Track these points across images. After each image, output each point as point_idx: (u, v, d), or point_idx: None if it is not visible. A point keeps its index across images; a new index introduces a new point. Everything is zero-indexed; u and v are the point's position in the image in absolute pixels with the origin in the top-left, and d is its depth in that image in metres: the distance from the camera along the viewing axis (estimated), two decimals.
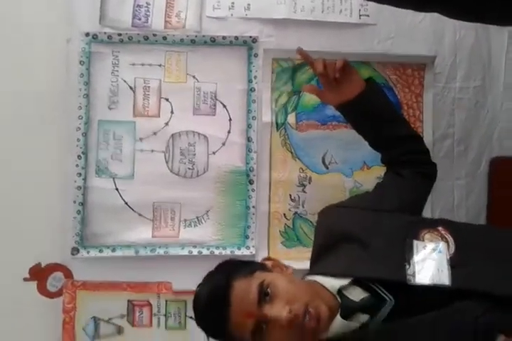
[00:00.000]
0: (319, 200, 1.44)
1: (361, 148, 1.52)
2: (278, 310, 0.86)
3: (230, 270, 0.95)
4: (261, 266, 1.00)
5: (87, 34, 1.47)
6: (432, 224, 1.00)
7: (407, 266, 0.91)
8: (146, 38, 1.49)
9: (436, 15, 0.97)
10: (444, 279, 0.89)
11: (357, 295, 0.92)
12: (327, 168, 1.55)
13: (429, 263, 0.92)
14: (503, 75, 1.61)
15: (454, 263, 0.92)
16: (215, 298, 0.90)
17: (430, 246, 0.95)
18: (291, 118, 1.54)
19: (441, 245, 0.94)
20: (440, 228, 0.98)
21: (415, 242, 0.95)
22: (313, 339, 0.91)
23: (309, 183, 1.54)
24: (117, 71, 1.50)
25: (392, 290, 0.90)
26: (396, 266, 0.92)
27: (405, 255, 0.93)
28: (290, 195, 1.54)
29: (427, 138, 1.54)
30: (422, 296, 0.88)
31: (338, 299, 0.92)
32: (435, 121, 1.58)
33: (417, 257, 0.93)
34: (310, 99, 1.53)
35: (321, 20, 1.52)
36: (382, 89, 1.25)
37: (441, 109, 1.58)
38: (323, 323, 0.87)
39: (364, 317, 0.90)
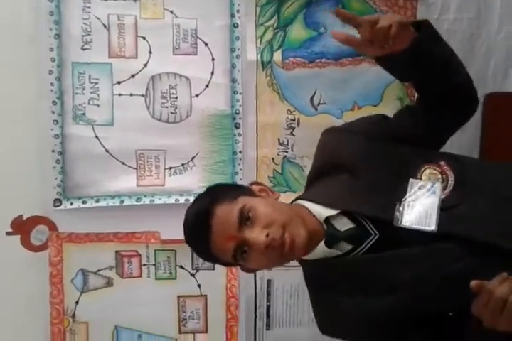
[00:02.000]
0: (308, 143, 1.39)
1: (352, 86, 1.55)
2: (257, 234, 0.92)
3: (214, 194, 1.00)
4: (247, 191, 1.03)
5: None
6: (435, 158, 1.01)
7: (397, 206, 0.94)
8: None
9: None
10: (431, 223, 0.92)
11: (343, 225, 0.97)
12: (316, 109, 1.56)
13: (420, 205, 0.94)
14: (498, 6, 1.60)
15: (446, 204, 0.95)
16: (198, 222, 0.96)
17: (425, 185, 0.96)
18: (277, 56, 1.53)
19: (437, 185, 0.96)
20: (442, 163, 1.00)
21: (411, 181, 0.96)
22: (291, 259, 0.99)
23: (298, 126, 1.55)
24: (89, 7, 1.45)
25: (378, 224, 0.96)
26: (386, 203, 0.95)
27: (398, 193, 0.96)
28: (278, 139, 1.55)
29: None
30: (407, 234, 0.93)
31: (324, 226, 0.98)
32: None
33: (409, 197, 0.95)
34: (297, 34, 1.52)
35: None
36: (437, 33, 1.03)
37: None
38: (298, 248, 0.93)
39: (347, 247, 0.97)
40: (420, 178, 0.98)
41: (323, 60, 1.54)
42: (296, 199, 1.08)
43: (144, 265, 1.55)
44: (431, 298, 0.92)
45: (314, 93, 1.55)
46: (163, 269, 1.55)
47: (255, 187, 1.06)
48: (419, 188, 0.96)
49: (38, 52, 1.44)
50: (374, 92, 1.56)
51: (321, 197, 1.02)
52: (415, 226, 0.92)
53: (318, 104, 1.56)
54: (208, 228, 0.94)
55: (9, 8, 1.43)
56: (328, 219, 0.98)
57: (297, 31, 1.52)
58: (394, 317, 0.94)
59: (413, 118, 1.07)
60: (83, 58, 1.47)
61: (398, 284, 0.93)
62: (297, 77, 1.54)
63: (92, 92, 1.48)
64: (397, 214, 0.93)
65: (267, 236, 0.91)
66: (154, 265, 1.55)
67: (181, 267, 1.56)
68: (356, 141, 1.06)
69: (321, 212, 0.99)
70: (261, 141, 1.55)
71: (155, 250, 1.54)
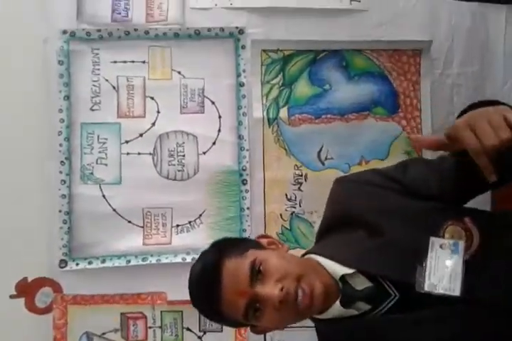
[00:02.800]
0: (317, 199, 1.43)
1: (358, 141, 1.57)
2: (270, 289, 0.88)
3: (222, 248, 0.97)
4: (255, 244, 1.01)
5: (65, 31, 1.49)
6: (459, 214, 0.94)
7: (418, 268, 0.90)
8: (127, 33, 1.51)
9: None
10: (455, 289, 0.88)
11: (360, 284, 0.93)
12: (323, 164, 1.57)
13: (442, 268, 0.90)
14: (502, 58, 1.64)
15: (471, 266, 0.89)
16: (206, 277, 0.93)
17: (448, 244, 0.92)
18: (283, 113, 1.56)
19: (460, 245, 0.91)
20: (467, 219, 0.93)
21: (431, 239, 0.91)
22: (306, 316, 0.95)
23: (305, 181, 1.57)
24: (98, 70, 1.51)
25: (399, 285, 0.91)
26: (406, 264, 0.91)
27: (419, 253, 0.91)
28: (286, 195, 1.56)
29: (426, 128, 1.58)
30: (429, 296, 0.89)
31: (340, 285, 0.94)
32: (434, 110, 1.60)
33: (430, 258, 0.91)
34: (302, 91, 1.56)
35: (310, 7, 1.55)
36: None
37: (439, 97, 1.61)
38: (317, 300, 0.89)
39: (365, 307, 0.92)
40: (443, 236, 0.92)
41: (329, 115, 1.57)
42: (307, 253, 1.06)
43: (150, 327, 1.52)
44: None
45: (321, 148, 1.57)
46: (170, 332, 1.52)
47: (263, 240, 1.04)
48: (441, 247, 0.91)
49: (48, 113, 1.49)
50: (381, 147, 1.58)
51: (335, 253, 0.98)
52: (439, 292, 0.88)
53: (326, 159, 1.57)
54: (217, 283, 0.90)
55: (19, 71, 1.49)
56: (343, 277, 0.94)
57: (302, 88, 1.56)
58: None
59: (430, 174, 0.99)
60: (92, 119, 1.51)
61: None
62: (304, 133, 1.56)
63: (100, 152, 1.51)
64: (419, 278, 0.89)
65: (281, 289, 0.88)
66: (160, 327, 1.52)
67: (188, 329, 1.53)
68: (372, 195, 1.01)
69: (336, 269, 0.96)
70: (268, 197, 1.56)
71: (161, 311, 1.52)
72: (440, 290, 0.88)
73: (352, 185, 1.07)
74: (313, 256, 1.02)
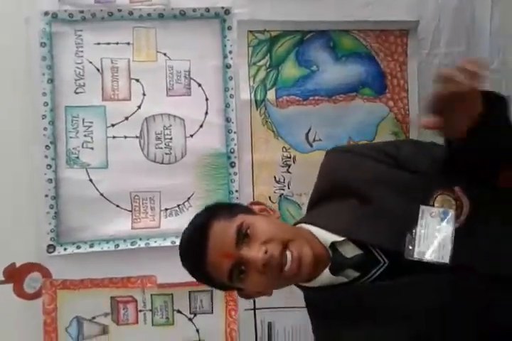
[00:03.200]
0: (305, 180, 1.42)
1: (346, 123, 1.57)
2: (254, 252, 0.89)
3: (213, 211, 0.99)
4: (247, 210, 1.02)
5: (47, 13, 1.47)
6: (449, 183, 0.94)
7: (408, 236, 0.91)
8: (111, 14, 1.49)
9: None
10: (444, 257, 0.89)
11: (350, 251, 0.95)
12: (311, 145, 1.58)
13: (432, 236, 0.91)
14: (488, 38, 1.65)
15: (460, 234, 0.90)
16: (194, 238, 0.95)
17: (438, 213, 0.92)
18: (271, 95, 1.56)
19: (450, 214, 0.91)
20: (457, 188, 0.93)
21: (422, 208, 0.92)
22: (293, 282, 0.97)
23: (294, 163, 1.57)
24: (82, 52, 1.49)
25: (388, 252, 0.92)
26: (396, 232, 0.92)
27: (409, 221, 0.92)
28: (274, 177, 1.57)
29: (413, 109, 1.60)
30: (418, 263, 0.90)
31: (330, 252, 0.96)
32: (421, 90, 1.61)
33: (420, 226, 0.92)
34: (289, 72, 1.56)
35: None
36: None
37: (426, 77, 1.61)
38: (305, 265, 0.90)
39: (353, 274, 0.94)
40: (433, 205, 0.93)
41: (317, 97, 1.57)
42: (298, 222, 1.07)
43: (140, 311, 1.53)
44: (446, 329, 0.88)
45: (309, 130, 1.58)
46: (160, 315, 1.54)
47: (256, 207, 1.06)
48: (431, 216, 0.92)
49: (31, 97, 1.47)
50: (368, 128, 1.59)
51: (326, 222, 1.00)
52: (428, 259, 0.89)
53: (314, 140, 1.58)
54: (203, 244, 0.92)
55: (0, 54, 1.47)
56: (333, 245, 0.96)
57: (290, 70, 1.56)
58: None
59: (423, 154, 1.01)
60: (76, 102, 1.50)
61: (412, 313, 0.89)
62: (291, 115, 1.57)
63: (85, 136, 1.50)
64: (409, 246, 0.90)
65: (266, 252, 0.89)
66: (151, 310, 1.53)
67: (179, 312, 1.54)
68: (365, 165, 1.03)
69: (326, 237, 0.97)
70: (257, 180, 1.56)
71: (151, 295, 1.52)
72: (429, 257, 0.89)
73: (345, 155, 1.09)
74: (304, 225, 1.03)
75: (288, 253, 0.90)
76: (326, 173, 1.10)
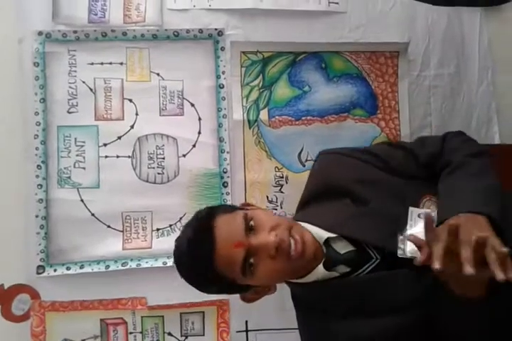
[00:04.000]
0: (298, 200, 1.44)
1: (338, 142, 1.58)
2: (264, 237, 0.92)
3: (210, 212, 0.99)
4: (242, 207, 1.06)
5: (40, 33, 1.48)
6: (435, 189, 1.01)
7: (399, 236, 0.94)
8: (105, 35, 1.50)
9: (407, 0, 1.01)
10: None
11: (343, 247, 0.99)
12: (304, 165, 1.59)
13: (421, 236, 0.91)
14: (476, 60, 1.69)
15: None
16: (199, 235, 0.93)
17: (424, 214, 0.93)
18: (264, 115, 1.58)
19: (434, 215, 0.95)
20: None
21: (410, 209, 0.97)
22: (299, 267, 0.97)
23: (286, 183, 1.58)
24: (75, 72, 1.50)
25: (380, 249, 0.97)
26: (389, 231, 0.95)
27: (400, 221, 0.95)
28: (267, 197, 1.57)
29: (404, 129, 1.62)
30: (407, 259, 0.92)
31: (324, 248, 0.99)
32: (412, 111, 1.64)
33: (409, 226, 0.96)
34: (282, 93, 1.58)
35: (289, 9, 1.57)
36: None
37: (417, 98, 1.65)
38: (309, 247, 0.94)
39: (345, 269, 0.98)
40: (422, 207, 1.00)
41: (309, 117, 1.59)
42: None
43: (131, 333, 1.51)
44: (432, 321, 0.91)
45: (301, 150, 1.59)
46: (151, 337, 1.51)
47: (248, 207, 1.07)
48: (419, 217, 0.96)
49: (23, 116, 1.47)
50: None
51: (320, 220, 1.03)
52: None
53: (306, 160, 1.59)
54: (211, 237, 0.91)
55: None
56: (327, 241, 0.99)
57: (282, 90, 1.58)
58: (397, 338, 0.93)
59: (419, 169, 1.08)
60: (69, 121, 1.50)
61: (399, 305, 0.93)
62: (284, 135, 1.58)
63: (77, 155, 1.50)
64: (401, 245, 0.93)
65: (275, 236, 0.91)
66: (141, 333, 1.51)
67: (170, 334, 1.52)
68: (357, 167, 1.08)
69: (321, 233, 1.00)
70: (250, 199, 1.56)
71: (142, 317, 1.50)
72: (417, 254, 0.91)
73: (337, 156, 1.13)
74: (298, 222, 1.05)
75: (291, 239, 0.94)
76: (318, 174, 1.15)
